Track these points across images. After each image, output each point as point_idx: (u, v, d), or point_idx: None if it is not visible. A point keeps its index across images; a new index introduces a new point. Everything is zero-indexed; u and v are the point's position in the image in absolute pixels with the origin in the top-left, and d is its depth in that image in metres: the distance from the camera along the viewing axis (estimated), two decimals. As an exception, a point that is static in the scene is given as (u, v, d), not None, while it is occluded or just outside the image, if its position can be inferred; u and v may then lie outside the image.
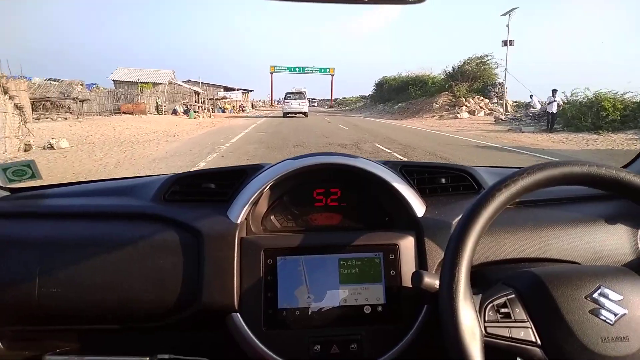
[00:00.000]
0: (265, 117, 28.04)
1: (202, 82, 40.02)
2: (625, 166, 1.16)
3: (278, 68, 60.35)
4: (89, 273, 0.80)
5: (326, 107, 72.84)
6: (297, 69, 61.98)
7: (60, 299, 0.79)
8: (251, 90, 48.96)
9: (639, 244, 0.91)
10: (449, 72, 28.48)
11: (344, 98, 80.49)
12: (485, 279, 0.79)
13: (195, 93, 28.56)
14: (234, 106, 39.64)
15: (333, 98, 72.69)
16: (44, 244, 0.83)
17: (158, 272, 0.81)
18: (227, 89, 41.42)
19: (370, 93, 48.57)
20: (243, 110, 38.59)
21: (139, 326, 0.85)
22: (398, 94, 35.48)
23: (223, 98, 37.12)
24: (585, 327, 0.60)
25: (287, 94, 28.19)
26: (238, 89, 41.22)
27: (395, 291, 0.82)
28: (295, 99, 26.60)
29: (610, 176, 0.63)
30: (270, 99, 69.30)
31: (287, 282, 0.81)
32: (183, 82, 39.23)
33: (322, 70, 63.06)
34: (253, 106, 55.12)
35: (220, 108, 35.01)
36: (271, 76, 61.62)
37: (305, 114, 26.09)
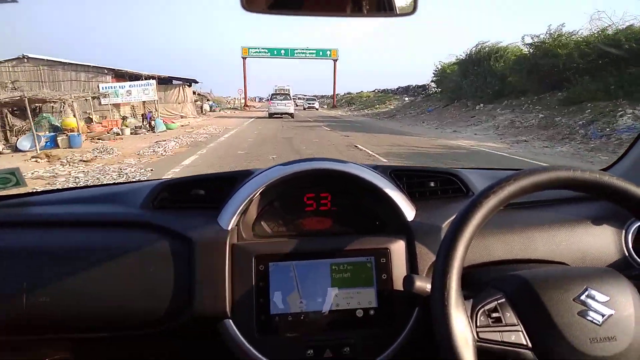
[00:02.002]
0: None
1: (43, 58, 16.63)
2: (606, 168, 1.19)
3: (254, 51, 41.28)
4: (77, 282, 0.80)
5: (326, 106, 49.87)
6: (282, 52, 41.71)
7: (49, 309, 0.79)
8: (193, 81, 27.30)
9: (623, 244, 0.93)
10: None
11: (349, 94, 55.79)
12: (475, 281, 0.80)
13: None
14: (124, 118, 16.11)
15: (337, 94, 50.02)
16: (31, 253, 0.83)
17: (148, 281, 0.81)
18: (121, 75, 18.10)
19: (433, 81, 27.07)
20: (150, 126, 15.37)
21: (131, 334, 0.84)
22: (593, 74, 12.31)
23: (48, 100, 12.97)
24: (574, 329, 0.62)
25: (272, 95, 27.27)
26: (152, 77, 17.86)
27: (387, 295, 0.83)
28: (281, 100, 25.13)
29: (593, 180, 0.65)
30: (242, 97, 45.53)
31: (279, 287, 0.82)
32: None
33: (320, 53, 42.04)
34: (206, 110, 31.80)
35: (51, 129, 11.69)
36: (244, 63, 41.31)
37: (291, 115, 24.76)
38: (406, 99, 34.13)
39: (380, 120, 23.88)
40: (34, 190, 1.08)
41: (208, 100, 38.40)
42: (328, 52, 41.62)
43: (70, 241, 0.86)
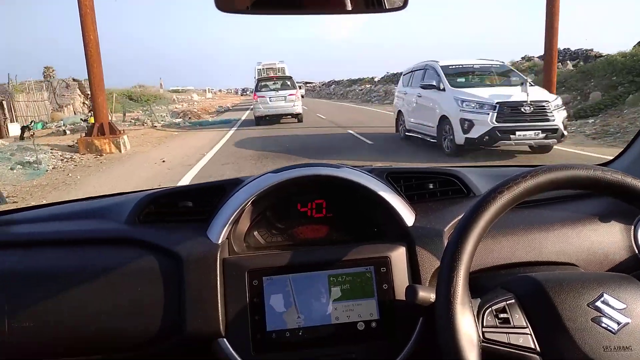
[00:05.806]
0: None
1: None
2: (606, 163, 1.15)
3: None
4: (61, 305, 0.78)
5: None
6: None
7: (34, 333, 0.77)
8: None
9: (633, 241, 0.90)
10: None
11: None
12: (481, 286, 0.76)
13: None
14: None
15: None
16: (11, 275, 0.80)
17: (137, 301, 0.78)
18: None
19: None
20: None
21: (120, 357, 0.82)
22: None
23: None
24: (587, 335, 0.59)
25: (259, 81, 15.58)
26: None
27: (389, 305, 0.80)
28: (277, 89, 14.40)
29: (616, 181, 0.62)
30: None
31: (275, 303, 0.79)
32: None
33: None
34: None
35: None
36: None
37: (297, 117, 14.58)
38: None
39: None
40: (13, 208, 1.06)
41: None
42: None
43: (52, 262, 0.83)
